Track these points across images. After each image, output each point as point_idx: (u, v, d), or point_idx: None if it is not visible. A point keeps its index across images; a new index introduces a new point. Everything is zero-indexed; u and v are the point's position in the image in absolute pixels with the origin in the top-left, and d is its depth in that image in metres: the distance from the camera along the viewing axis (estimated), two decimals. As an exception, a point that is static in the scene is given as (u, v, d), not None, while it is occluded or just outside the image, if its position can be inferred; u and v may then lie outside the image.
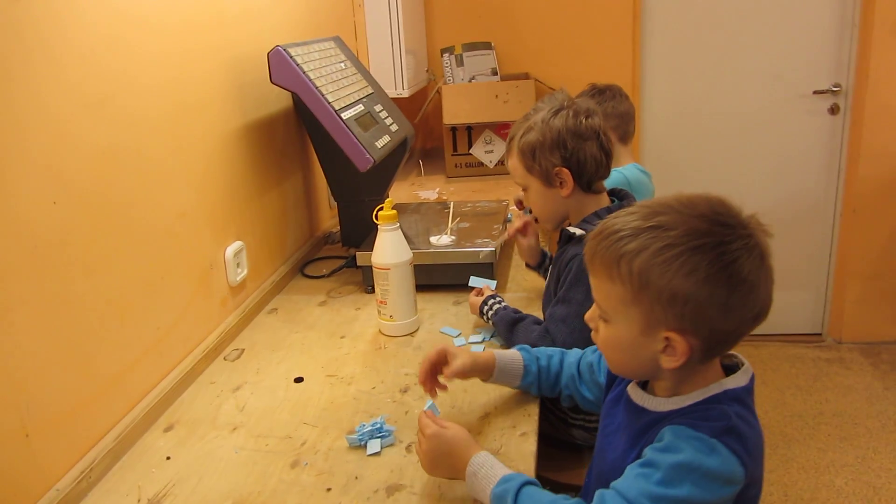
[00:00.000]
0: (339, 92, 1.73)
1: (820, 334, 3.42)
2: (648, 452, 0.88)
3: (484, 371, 1.21)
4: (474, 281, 1.56)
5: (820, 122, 3.20)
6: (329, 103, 1.63)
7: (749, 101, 3.20)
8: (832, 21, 3.08)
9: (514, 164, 1.47)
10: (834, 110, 3.17)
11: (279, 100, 1.89)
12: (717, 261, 0.83)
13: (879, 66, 2.98)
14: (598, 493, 0.89)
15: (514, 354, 1.24)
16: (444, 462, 1.02)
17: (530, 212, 2.04)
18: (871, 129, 3.07)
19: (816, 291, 3.38)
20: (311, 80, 1.62)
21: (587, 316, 0.97)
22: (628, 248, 0.86)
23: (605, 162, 1.41)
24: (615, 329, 0.91)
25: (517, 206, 2.11)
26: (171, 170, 1.37)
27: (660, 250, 0.84)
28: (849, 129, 3.17)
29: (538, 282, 1.74)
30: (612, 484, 0.89)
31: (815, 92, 3.16)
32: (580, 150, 1.39)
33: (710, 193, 0.89)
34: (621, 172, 2.10)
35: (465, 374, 1.19)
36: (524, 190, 1.49)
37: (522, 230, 1.68)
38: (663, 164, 3.21)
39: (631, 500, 0.85)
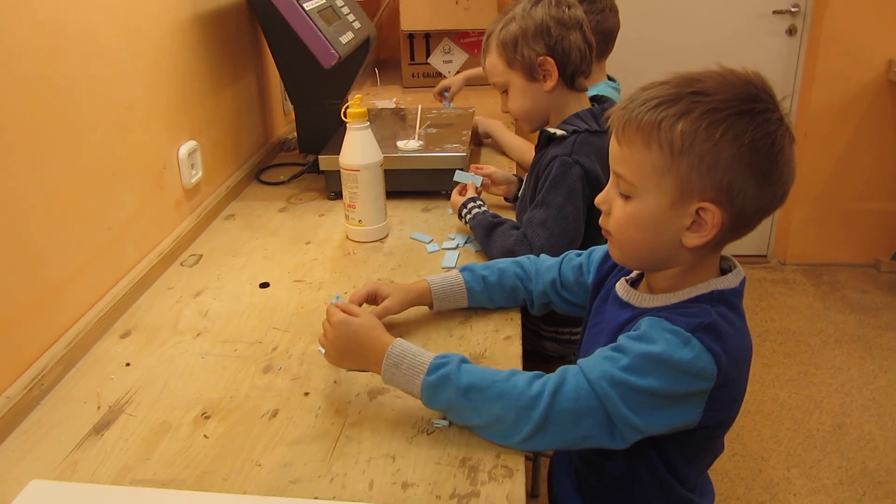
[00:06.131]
0: (299, -19, 1.59)
1: (765, 256, 3.49)
2: (622, 339, 0.86)
3: (422, 302, 1.15)
4: (459, 175, 1.48)
5: (778, 43, 3.18)
6: (291, -9, 1.50)
7: (711, 18, 3.14)
8: (797, -62, 3.03)
9: (492, 61, 1.38)
10: (791, 32, 3.16)
11: (231, -9, 1.75)
12: (762, 126, 0.79)
13: (839, -12, 2.97)
14: (561, 367, 0.87)
15: (453, 279, 1.16)
16: (354, 352, 0.96)
17: (451, 104, 2.03)
18: (826, 52, 3.07)
19: (763, 214, 3.42)
20: (270, -36, 1.49)
21: (599, 199, 0.91)
22: (670, 111, 0.80)
23: (588, 55, 1.34)
24: (641, 204, 0.85)
25: (436, 97, 2.07)
26: (118, 55, 1.24)
27: (704, 113, 0.79)
28: (805, 51, 3.17)
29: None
30: (579, 361, 0.87)
31: (774, 12, 3.13)
32: (564, 38, 1.32)
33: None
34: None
35: (399, 311, 1.13)
36: (503, 93, 1.41)
37: (476, 169, 1.59)
38: (622, 82, 3.16)
39: (591, 381, 0.84)
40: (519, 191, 1.60)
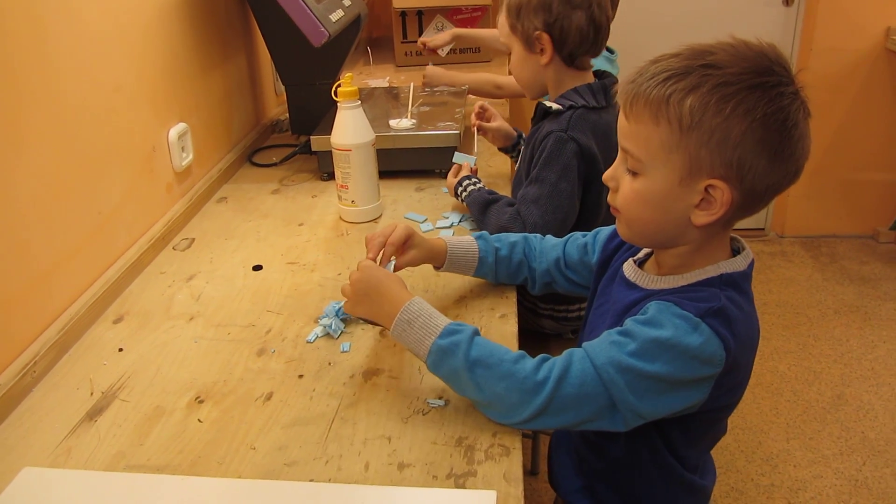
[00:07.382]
0: (286, -42, 1.56)
1: (763, 229, 3.48)
2: (629, 323, 0.84)
3: (436, 259, 1.13)
4: (458, 157, 1.47)
5: (774, 13, 3.15)
6: (278, -31, 1.47)
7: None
8: None
9: (501, 20, 1.40)
10: (788, 2, 3.12)
11: (218, -30, 1.72)
12: (775, 101, 0.76)
13: (836, -45, 2.93)
14: (567, 351, 0.86)
15: (469, 245, 1.14)
16: (371, 298, 0.95)
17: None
18: (823, 21, 3.03)
19: (761, 187, 3.40)
20: (256, -59, 1.46)
21: (607, 175, 0.88)
22: (679, 85, 0.77)
23: (592, 37, 1.32)
24: (648, 181, 0.83)
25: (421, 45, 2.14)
26: (104, 37, 1.22)
27: (715, 87, 0.76)
28: (802, 21, 3.14)
29: (503, 168, 1.66)
30: (584, 344, 0.86)
31: (770, -18, 3.09)
32: (566, 17, 1.30)
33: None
34: None
35: (416, 264, 1.11)
36: (509, 54, 1.43)
37: (480, 115, 1.59)
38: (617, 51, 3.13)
39: (598, 366, 0.82)
40: (515, 143, 1.61)
